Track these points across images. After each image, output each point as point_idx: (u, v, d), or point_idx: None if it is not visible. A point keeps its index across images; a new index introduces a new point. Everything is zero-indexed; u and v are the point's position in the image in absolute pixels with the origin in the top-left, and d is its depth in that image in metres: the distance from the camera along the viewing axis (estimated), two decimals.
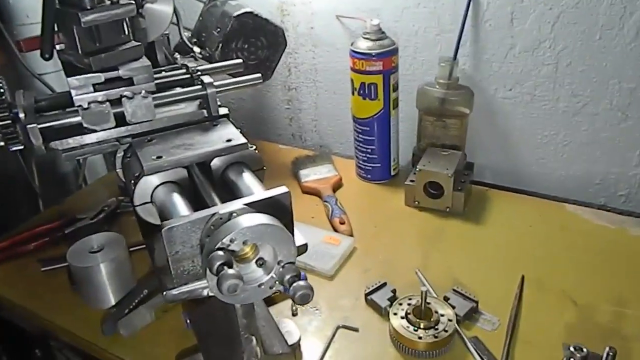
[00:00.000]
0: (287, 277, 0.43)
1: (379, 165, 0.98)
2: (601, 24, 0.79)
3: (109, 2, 0.54)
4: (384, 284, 0.73)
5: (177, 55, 0.99)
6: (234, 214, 0.44)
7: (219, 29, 0.88)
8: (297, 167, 1.03)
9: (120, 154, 0.59)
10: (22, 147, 0.56)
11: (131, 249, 0.78)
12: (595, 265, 0.75)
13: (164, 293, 0.46)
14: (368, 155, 0.97)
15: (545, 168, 0.94)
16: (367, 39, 0.87)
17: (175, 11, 0.83)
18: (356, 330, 0.68)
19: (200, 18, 0.96)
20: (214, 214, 0.44)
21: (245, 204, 0.46)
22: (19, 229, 0.91)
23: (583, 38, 0.81)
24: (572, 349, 0.51)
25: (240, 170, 0.55)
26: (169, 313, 0.72)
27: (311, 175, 1.00)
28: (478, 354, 0.62)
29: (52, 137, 0.55)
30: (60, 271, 0.81)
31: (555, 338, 0.63)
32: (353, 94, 0.93)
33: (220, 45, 0.88)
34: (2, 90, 0.55)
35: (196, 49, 0.95)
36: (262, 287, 0.45)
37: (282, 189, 0.48)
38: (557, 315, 0.67)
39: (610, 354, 0.49)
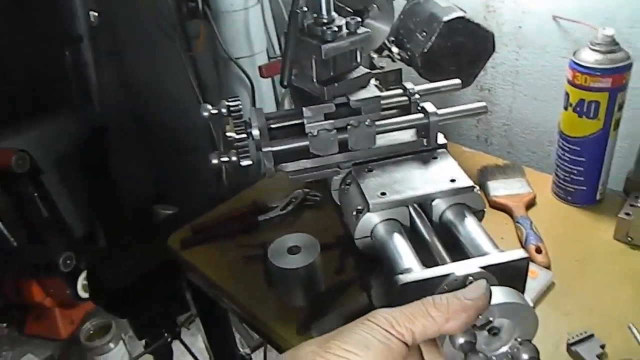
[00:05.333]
0: (525, 357, 0.40)
1: (583, 187, 0.87)
2: None
3: (346, 31, 0.54)
4: (591, 336, 0.66)
5: (373, 54, 0.98)
6: (470, 278, 0.42)
7: (425, 33, 0.85)
8: (485, 177, 0.97)
9: (337, 178, 0.60)
10: (251, 162, 0.60)
11: None
12: None
13: None
14: (572, 176, 0.87)
15: None
16: (595, 50, 0.77)
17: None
18: None
19: (401, 17, 0.93)
20: (449, 274, 0.43)
21: (482, 267, 0.43)
22: (217, 211, 1.01)
23: None
24: None
25: (462, 214, 0.52)
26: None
27: (501, 189, 0.94)
28: None
29: (279, 158, 0.58)
30: (256, 260, 0.87)
31: None
32: (566, 109, 0.83)
33: (426, 50, 0.84)
34: (240, 109, 0.59)
35: (394, 49, 0.93)
36: (494, 358, 0.42)
37: (521, 253, 0.44)
38: None
39: None
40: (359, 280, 0.73)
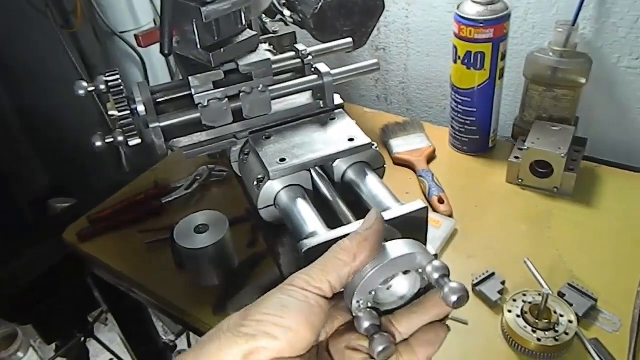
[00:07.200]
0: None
1: (476, 137, 0.92)
2: None
3: None
4: (492, 274, 0.70)
5: (265, 19, 0.95)
6: None
7: None
8: (387, 135, 0.99)
9: (235, 148, 0.57)
10: (140, 141, 0.55)
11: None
12: None
13: None
14: (466, 127, 0.91)
15: None
16: (477, 2, 0.79)
17: None
18: (465, 323, 0.66)
19: None
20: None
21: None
22: (117, 197, 0.94)
23: None
24: None
25: (363, 172, 0.53)
26: None
27: (403, 145, 0.96)
28: (600, 358, 0.60)
29: (171, 134, 0.54)
30: (163, 244, 0.83)
31: None
32: (455, 62, 0.86)
33: (316, 11, 0.82)
34: (120, 84, 0.54)
35: (286, 12, 0.90)
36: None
37: (419, 204, 0.45)
38: None
39: None
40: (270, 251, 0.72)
